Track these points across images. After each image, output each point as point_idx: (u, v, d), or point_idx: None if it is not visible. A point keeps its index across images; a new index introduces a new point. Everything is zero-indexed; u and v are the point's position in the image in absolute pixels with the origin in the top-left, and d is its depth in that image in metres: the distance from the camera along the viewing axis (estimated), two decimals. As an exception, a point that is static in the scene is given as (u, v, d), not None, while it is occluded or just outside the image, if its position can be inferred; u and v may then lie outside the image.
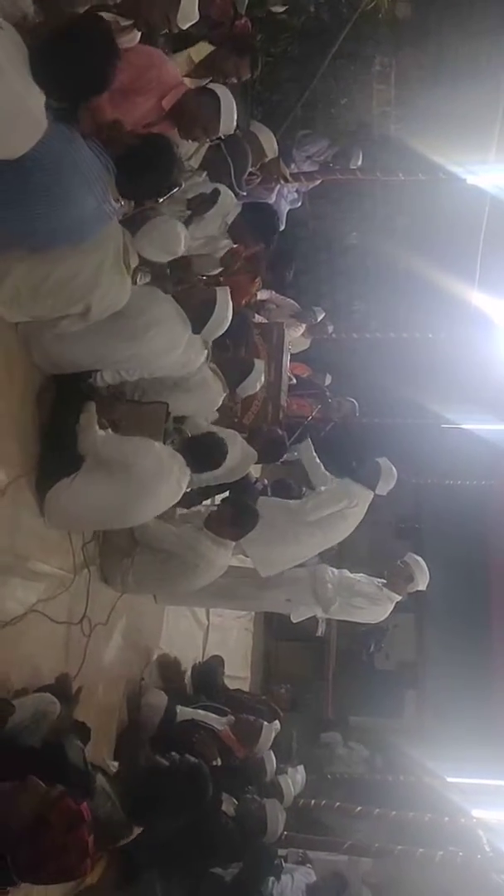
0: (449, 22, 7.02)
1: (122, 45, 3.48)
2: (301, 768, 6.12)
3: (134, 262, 3.26)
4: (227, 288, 4.12)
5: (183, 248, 3.60)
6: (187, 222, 4.26)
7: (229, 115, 3.81)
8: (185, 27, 3.54)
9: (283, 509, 5.14)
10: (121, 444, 3.74)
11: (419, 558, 5.32)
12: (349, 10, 6.41)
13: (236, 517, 4.33)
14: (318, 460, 5.62)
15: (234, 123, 3.91)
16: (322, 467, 5.54)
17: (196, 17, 3.44)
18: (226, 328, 4.06)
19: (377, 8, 5.78)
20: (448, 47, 7.10)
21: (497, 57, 6.44)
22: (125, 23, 3.47)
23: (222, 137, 3.96)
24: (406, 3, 6.88)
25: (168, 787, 3.42)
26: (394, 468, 5.36)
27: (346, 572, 5.34)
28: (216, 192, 4.23)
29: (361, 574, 5.40)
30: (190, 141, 4.01)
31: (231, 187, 4.22)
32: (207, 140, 4.09)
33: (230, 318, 4.03)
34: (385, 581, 5.28)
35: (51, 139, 2.50)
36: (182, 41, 4.20)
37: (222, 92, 3.83)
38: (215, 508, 4.43)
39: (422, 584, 5.28)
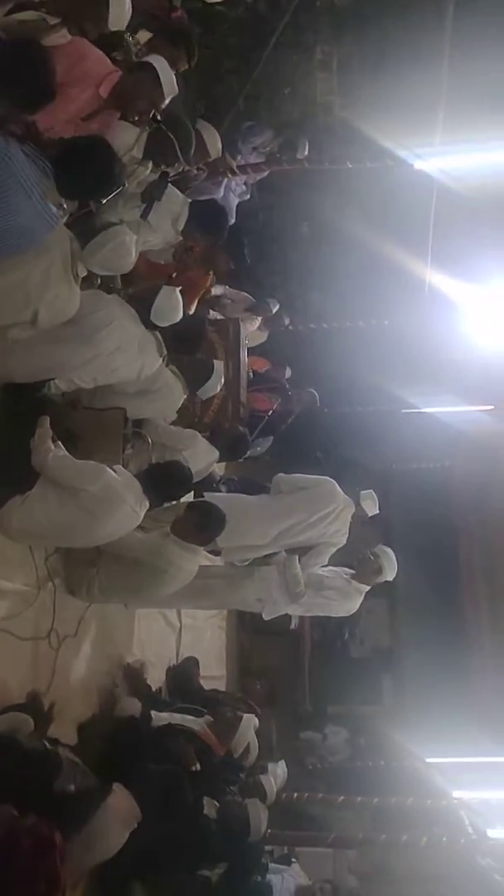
0: (388, 7, 6.99)
1: (52, 42, 3.42)
2: (282, 763, 6.11)
3: (81, 273, 3.18)
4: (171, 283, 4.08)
5: (131, 264, 3.54)
6: (144, 213, 4.20)
7: (169, 81, 3.73)
8: (116, 30, 3.46)
9: (257, 501, 5.09)
10: (72, 468, 3.65)
11: (388, 549, 5.33)
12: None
13: (203, 522, 4.26)
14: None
15: (176, 88, 3.83)
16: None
17: (128, 18, 3.36)
18: (177, 315, 4.00)
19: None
20: (388, 33, 7.07)
21: (437, 41, 6.41)
22: (53, 21, 3.38)
23: (160, 118, 3.87)
24: (344, -9, 6.84)
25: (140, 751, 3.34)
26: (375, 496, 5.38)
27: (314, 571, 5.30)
28: (164, 174, 4.17)
29: (329, 567, 5.38)
30: (135, 119, 3.92)
31: (181, 167, 4.14)
32: (146, 127, 3.99)
33: (179, 303, 3.97)
34: (354, 572, 5.28)
35: (-18, 147, 2.42)
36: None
37: (155, 60, 3.74)
38: (181, 514, 4.34)
39: (390, 575, 5.30)
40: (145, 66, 3.60)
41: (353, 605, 5.36)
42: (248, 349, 6.79)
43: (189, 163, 4.15)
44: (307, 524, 5.08)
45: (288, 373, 8.46)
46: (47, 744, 2.90)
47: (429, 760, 8.12)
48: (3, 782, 2.48)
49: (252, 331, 7.59)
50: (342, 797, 6.33)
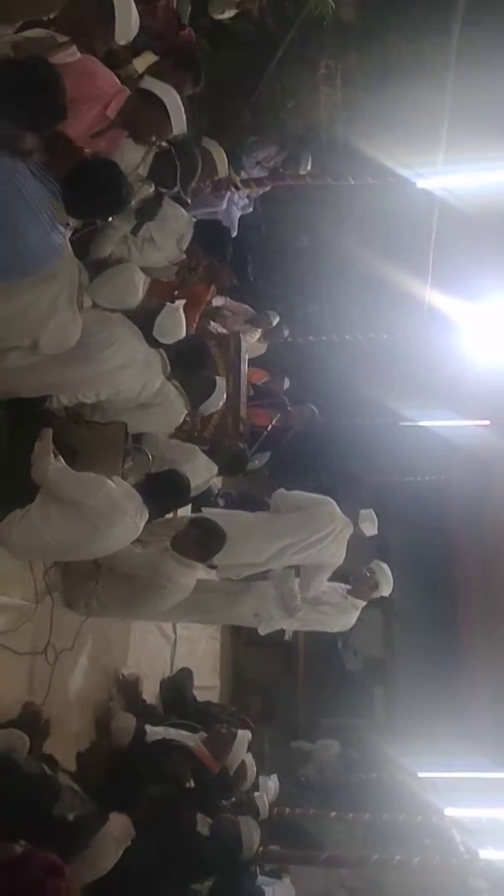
0: (393, 24, 7.03)
1: (62, 60, 3.43)
2: (274, 777, 6.10)
3: (86, 305, 3.19)
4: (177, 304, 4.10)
5: (138, 301, 3.55)
6: (135, 230, 4.21)
7: (178, 114, 3.76)
8: (124, 43, 3.47)
9: (255, 518, 5.08)
10: (72, 480, 3.64)
11: (384, 565, 5.34)
12: (294, 14, 6.38)
13: (203, 539, 4.26)
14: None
15: (184, 121, 3.85)
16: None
17: (135, 32, 3.38)
18: (181, 332, 4.01)
19: (322, 13, 5.75)
20: (393, 50, 7.11)
21: (442, 58, 6.46)
22: (62, 39, 3.40)
23: (173, 143, 3.89)
24: (350, 7, 6.86)
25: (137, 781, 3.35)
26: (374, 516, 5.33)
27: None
28: (159, 195, 4.19)
29: (326, 583, 5.38)
30: (141, 145, 3.94)
31: (179, 193, 4.16)
32: (153, 147, 4.02)
33: (181, 321, 3.99)
34: (350, 588, 5.29)
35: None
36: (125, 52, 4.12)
37: (164, 92, 3.75)
38: (182, 529, 4.35)
39: (386, 591, 5.32)
40: (155, 99, 3.58)
41: (349, 620, 5.38)
42: (248, 360, 6.80)
43: (186, 193, 4.17)
44: (305, 545, 5.06)
45: (286, 384, 8.49)
46: (46, 767, 2.89)
47: (421, 775, 8.11)
48: (2, 805, 2.48)
49: (252, 342, 7.60)
50: (334, 812, 6.31)
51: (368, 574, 5.26)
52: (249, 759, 5.39)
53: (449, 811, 6.74)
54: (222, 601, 5.11)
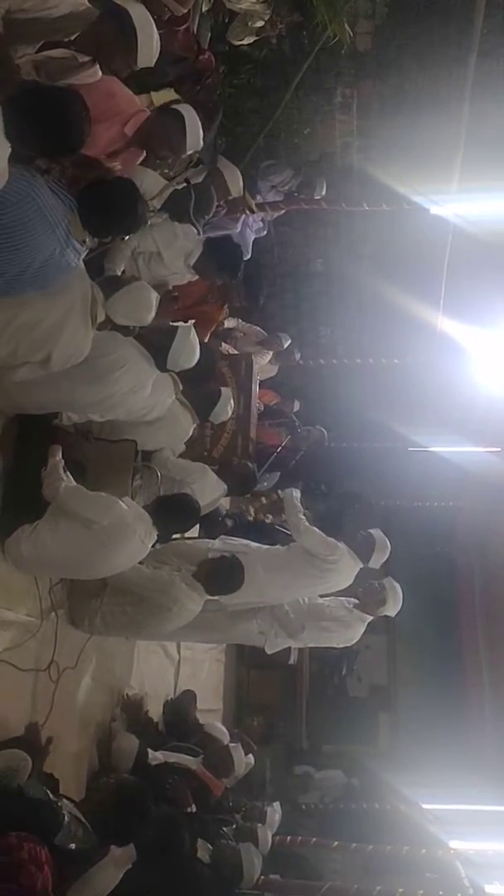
0: (409, 53, 7.10)
1: (83, 80, 3.48)
2: (277, 805, 6.02)
3: (101, 318, 3.20)
4: (189, 324, 4.09)
5: (152, 318, 3.56)
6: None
7: (195, 133, 3.81)
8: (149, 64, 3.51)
9: (265, 560, 4.97)
10: (84, 499, 3.64)
11: (396, 584, 5.22)
12: (310, 42, 6.46)
13: (219, 577, 4.26)
14: (299, 506, 5.26)
15: (201, 142, 3.89)
16: (302, 513, 5.16)
17: (156, 56, 3.41)
18: (194, 359, 4.00)
19: (340, 42, 5.82)
20: (408, 78, 7.18)
21: (457, 88, 6.51)
22: (84, 58, 3.44)
23: (190, 181, 3.94)
24: (366, 36, 6.94)
25: (142, 819, 3.31)
26: (387, 540, 5.10)
27: (315, 599, 5.23)
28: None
29: (331, 597, 5.31)
30: (157, 164, 3.99)
31: (192, 225, 4.20)
32: (174, 182, 4.08)
33: (195, 347, 3.97)
34: (357, 601, 5.19)
35: (11, 183, 2.44)
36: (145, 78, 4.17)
37: (186, 110, 3.83)
38: (207, 558, 4.35)
39: (392, 610, 5.18)
40: (175, 114, 3.64)
41: (354, 633, 5.23)
42: (259, 382, 6.81)
43: (198, 225, 4.20)
44: (314, 593, 5.03)
45: (297, 406, 8.51)
46: (49, 792, 2.85)
47: (425, 806, 7.98)
48: (3, 829, 2.44)
49: (263, 364, 7.63)
50: (336, 843, 6.20)
51: (379, 588, 5.16)
52: (239, 753, 5.37)
53: (454, 844, 6.60)
54: (226, 620, 5.06)
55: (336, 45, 6.20)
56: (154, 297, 3.54)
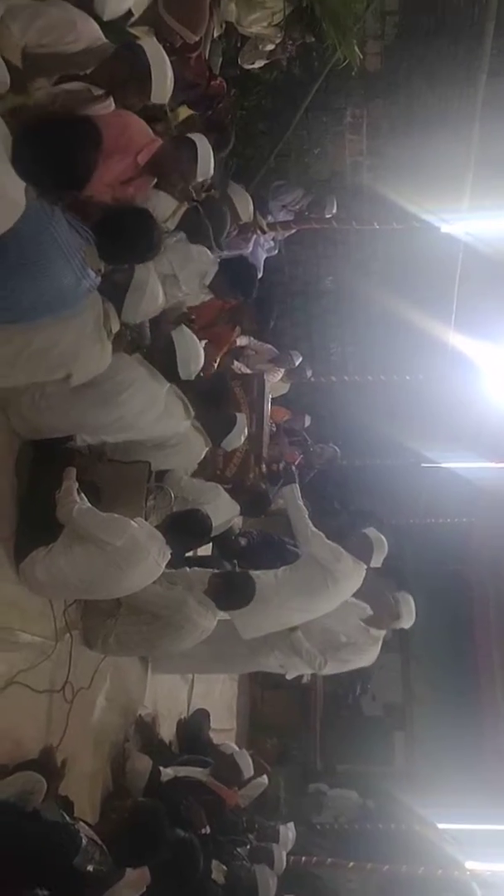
0: (417, 73, 7.17)
1: (97, 112, 3.54)
2: (291, 826, 5.98)
3: (115, 328, 3.23)
4: (181, 326, 4.12)
5: (161, 307, 3.59)
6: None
7: (206, 162, 3.87)
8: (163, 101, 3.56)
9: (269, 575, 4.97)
10: (98, 521, 3.66)
11: (410, 598, 5.18)
12: (320, 64, 6.53)
13: (230, 591, 4.27)
14: (302, 506, 5.23)
15: (211, 170, 3.95)
16: (307, 515, 5.14)
17: (169, 93, 3.45)
18: (201, 358, 4.00)
19: (350, 65, 5.88)
20: (417, 98, 7.24)
21: (467, 108, 6.55)
22: (98, 92, 3.50)
23: (199, 200, 3.98)
24: (375, 57, 7.03)
25: (157, 842, 3.31)
26: (383, 537, 5.06)
27: (326, 622, 5.17)
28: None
29: (340, 612, 5.26)
30: (168, 189, 4.04)
31: (210, 248, 4.24)
32: (186, 203, 4.13)
33: (196, 345, 3.98)
34: (371, 615, 5.17)
35: (29, 214, 2.49)
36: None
37: (199, 139, 3.89)
38: (216, 574, 4.38)
39: (407, 622, 5.15)
40: (188, 142, 3.69)
41: (371, 656, 5.21)
42: (271, 399, 6.83)
43: (221, 247, 4.23)
44: (331, 607, 5.00)
45: (308, 421, 8.52)
46: (65, 815, 2.87)
47: (441, 826, 7.91)
48: (23, 852, 2.46)
49: (275, 382, 7.66)
50: (352, 863, 6.16)
51: (393, 602, 5.13)
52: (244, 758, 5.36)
53: (470, 865, 6.54)
54: (246, 654, 5.07)
55: (346, 66, 6.27)
56: (156, 282, 3.54)
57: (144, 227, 3.00)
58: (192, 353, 3.93)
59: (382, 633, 5.19)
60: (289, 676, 5.21)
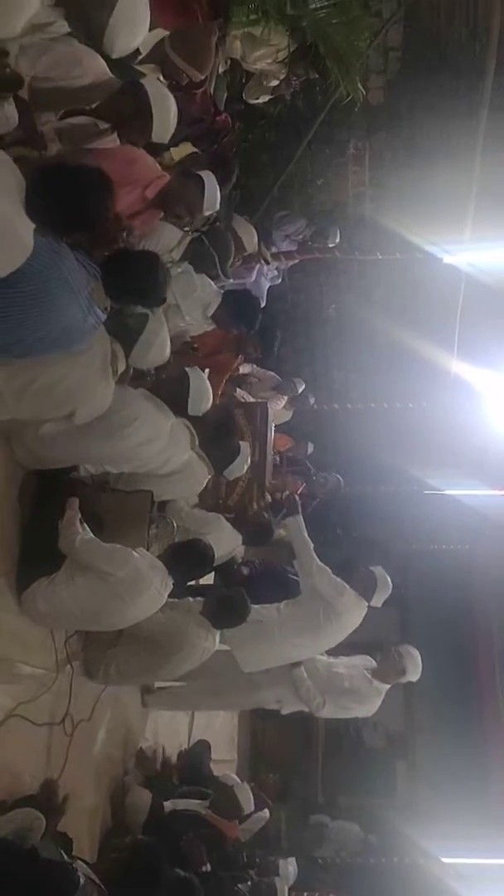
0: (420, 107, 7.28)
1: (103, 145, 3.59)
2: (292, 860, 5.89)
3: (121, 368, 3.26)
4: (196, 368, 4.16)
5: (168, 355, 3.64)
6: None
7: (212, 196, 3.92)
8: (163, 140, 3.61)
9: (272, 609, 4.95)
10: (100, 551, 3.65)
11: (414, 651, 5.11)
12: (324, 98, 6.62)
13: (227, 612, 4.26)
14: (307, 539, 5.17)
15: (217, 205, 4.00)
16: (312, 548, 5.10)
17: (171, 132, 3.50)
18: (210, 400, 4.07)
19: (353, 101, 5.97)
20: (420, 130, 7.35)
21: (468, 140, 6.64)
22: (104, 126, 3.55)
23: (203, 231, 4.02)
24: (378, 91, 7.14)
25: (156, 882, 3.26)
26: (388, 578, 5.03)
27: (334, 664, 5.15)
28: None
29: (348, 660, 5.24)
30: (174, 220, 4.09)
31: (216, 276, 4.28)
32: (191, 232, 4.17)
33: (208, 388, 4.05)
34: (376, 668, 5.13)
35: (37, 253, 2.51)
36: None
37: (206, 176, 3.95)
38: (212, 593, 4.36)
39: (413, 676, 5.10)
40: (196, 178, 3.74)
41: (372, 706, 5.16)
42: (274, 427, 6.84)
43: (227, 275, 4.28)
44: (332, 644, 5.01)
45: (310, 448, 8.52)
46: (64, 854, 2.83)
47: (445, 860, 7.78)
48: (21, 891, 2.42)
49: (277, 409, 7.68)
50: (354, 900, 6.06)
51: (397, 658, 5.09)
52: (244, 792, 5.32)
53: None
54: (246, 688, 5.04)
55: (349, 100, 6.36)
56: (166, 332, 3.60)
57: (150, 266, 3.03)
58: (205, 394, 4.01)
59: (386, 686, 5.14)
60: (284, 712, 5.16)
